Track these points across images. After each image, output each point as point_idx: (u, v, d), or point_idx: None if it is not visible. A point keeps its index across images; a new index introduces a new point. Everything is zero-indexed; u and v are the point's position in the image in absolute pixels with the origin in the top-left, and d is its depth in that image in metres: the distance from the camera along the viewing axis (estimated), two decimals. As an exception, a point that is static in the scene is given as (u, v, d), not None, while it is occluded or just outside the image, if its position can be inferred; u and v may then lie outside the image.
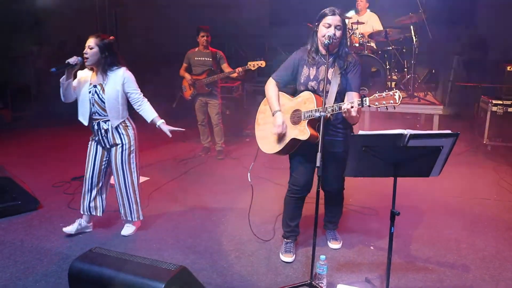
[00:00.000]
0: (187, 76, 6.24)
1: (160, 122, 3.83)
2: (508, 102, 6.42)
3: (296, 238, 3.67)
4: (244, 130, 7.82)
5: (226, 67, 6.19)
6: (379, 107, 2.78)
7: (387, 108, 2.75)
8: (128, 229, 4.00)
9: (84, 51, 3.64)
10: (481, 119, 6.79)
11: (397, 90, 2.72)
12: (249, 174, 3.62)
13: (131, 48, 10.47)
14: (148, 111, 3.83)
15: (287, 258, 3.51)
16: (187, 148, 6.88)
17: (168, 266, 2.53)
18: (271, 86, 3.45)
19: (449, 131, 2.46)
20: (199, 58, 6.20)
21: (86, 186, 3.93)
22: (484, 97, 6.84)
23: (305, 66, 3.32)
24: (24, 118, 9.29)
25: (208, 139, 6.57)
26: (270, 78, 3.48)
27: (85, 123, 3.78)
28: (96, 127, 3.77)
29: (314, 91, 3.22)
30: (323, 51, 3.22)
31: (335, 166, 3.33)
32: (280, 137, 3.34)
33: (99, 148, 3.85)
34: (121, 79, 3.70)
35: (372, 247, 3.74)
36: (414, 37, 6.76)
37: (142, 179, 5.36)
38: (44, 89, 10.79)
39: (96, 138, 3.83)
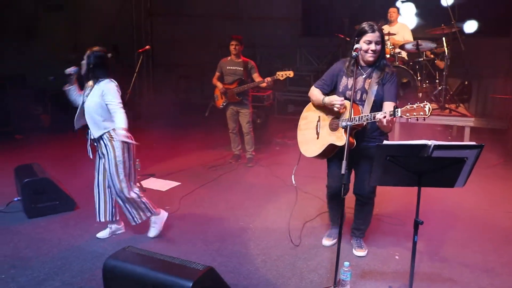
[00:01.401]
0: (219, 85, 6.39)
1: (120, 131, 3.75)
2: (543, 115, 6.32)
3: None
4: (275, 138, 7.91)
5: (256, 77, 6.31)
6: (409, 118, 2.86)
7: (417, 120, 2.83)
8: (152, 231, 4.14)
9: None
10: (514, 131, 6.70)
11: (427, 103, 2.80)
12: (292, 176, 3.80)
13: (165, 58, 10.78)
14: (117, 120, 3.77)
15: (327, 241, 3.95)
16: (218, 156, 7.02)
17: (196, 266, 2.65)
18: (314, 90, 3.69)
19: (473, 143, 2.50)
20: (231, 67, 6.34)
21: (95, 195, 4.05)
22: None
23: (344, 76, 3.52)
24: (61, 122, 9.63)
25: (238, 146, 6.70)
26: (313, 86, 3.72)
27: (75, 127, 3.98)
28: (87, 135, 3.95)
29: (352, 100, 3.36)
30: (362, 64, 3.46)
31: (368, 171, 3.44)
32: (321, 140, 3.57)
33: (97, 156, 3.99)
34: (100, 91, 3.77)
35: (397, 257, 3.77)
36: (446, 49, 6.74)
37: (173, 183, 5.57)
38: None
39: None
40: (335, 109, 3.38)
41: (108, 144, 3.83)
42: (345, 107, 3.35)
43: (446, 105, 6.87)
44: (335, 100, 3.39)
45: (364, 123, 3.23)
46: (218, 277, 2.71)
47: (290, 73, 5.98)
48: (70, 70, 3.93)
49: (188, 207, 4.81)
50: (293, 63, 10.71)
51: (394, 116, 2.96)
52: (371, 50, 3.33)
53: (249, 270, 3.52)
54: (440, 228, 4.29)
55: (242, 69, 6.30)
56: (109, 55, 3.93)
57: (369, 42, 3.33)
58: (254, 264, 3.61)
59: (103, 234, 4.14)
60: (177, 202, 4.91)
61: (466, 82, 7.74)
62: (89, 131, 3.88)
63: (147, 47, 5.64)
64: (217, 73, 6.50)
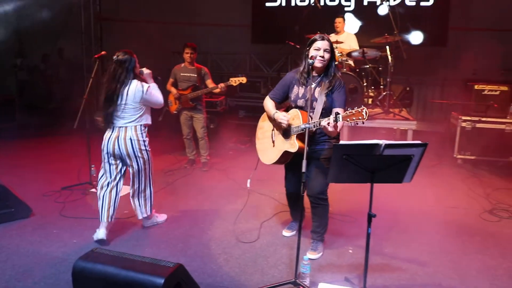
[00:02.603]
0: (173, 90, 6.48)
1: None
2: (476, 118, 6.86)
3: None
4: (228, 143, 8.07)
5: (210, 83, 6.46)
6: (350, 123, 3.10)
7: (357, 123, 3.07)
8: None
9: None
10: (452, 134, 7.22)
11: (364, 107, 3.04)
12: (248, 180, 4.04)
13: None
14: None
15: (286, 233, 4.32)
16: (173, 160, 7.09)
17: (166, 263, 2.76)
18: (268, 101, 3.89)
19: (419, 142, 2.78)
20: (185, 74, 6.45)
21: (103, 195, 4.25)
22: (454, 114, 7.29)
23: (295, 85, 3.74)
24: (8, 129, 9.36)
25: (193, 152, 6.80)
26: (267, 96, 3.91)
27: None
28: None
29: (302, 108, 3.62)
30: (314, 72, 3.65)
31: (318, 172, 3.70)
32: (277, 148, 3.77)
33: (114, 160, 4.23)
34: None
35: (350, 251, 4.03)
36: (389, 57, 7.17)
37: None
38: (28, 100, 10.91)
39: None
40: (282, 125, 3.63)
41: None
42: (293, 118, 3.59)
43: (390, 110, 7.29)
44: (281, 118, 3.62)
45: (314, 129, 3.43)
46: (187, 273, 2.84)
47: (243, 79, 6.18)
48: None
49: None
50: (244, 69, 10.96)
51: (337, 122, 3.17)
52: (320, 56, 3.55)
53: (213, 269, 3.65)
54: (389, 224, 4.61)
55: (195, 75, 6.42)
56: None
57: (318, 49, 3.55)
58: (217, 263, 3.75)
59: (101, 234, 4.09)
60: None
61: (408, 88, 8.24)
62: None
63: (103, 52, 5.65)
64: (171, 79, 6.58)
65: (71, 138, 7.23)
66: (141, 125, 4.14)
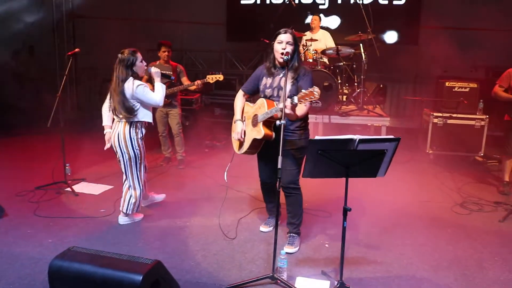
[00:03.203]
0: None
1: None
2: (447, 115, 7.03)
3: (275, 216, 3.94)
4: (204, 141, 8.06)
5: (185, 80, 6.45)
6: (305, 103, 3.26)
7: (311, 103, 3.16)
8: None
9: None
10: (424, 130, 7.37)
11: (315, 87, 3.16)
12: (225, 173, 4.02)
13: (88, 61, 10.54)
14: None
15: (264, 228, 4.36)
16: (149, 158, 6.98)
17: (144, 260, 2.76)
18: (239, 97, 4.04)
19: (392, 136, 2.85)
20: None
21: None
22: (427, 110, 7.45)
23: (264, 77, 3.86)
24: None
25: (169, 149, 6.77)
26: (240, 90, 4.04)
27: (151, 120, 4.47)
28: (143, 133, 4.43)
29: (269, 97, 3.76)
30: (278, 63, 3.77)
31: (287, 162, 3.75)
32: (247, 139, 3.86)
33: None
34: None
35: (327, 245, 4.10)
36: (363, 54, 7.28)
37: (106, 187, 5.56)
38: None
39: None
40: (234, 137, 3.90)
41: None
42: (259, 107, 3.71)
43: (364, 106, 7.41)
44: (236, 131, 3.87)
45: (278, 115, 3.46)
46: (165, 270, 2.85)
47: (220, 77, 6.18)
48: None
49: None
50: (219, 67, 10.93)
51: (293, 103, 3.24)
52: (282, 49, 3.63)
53: (191, 265, 3.66)
54: (364, 218, 4.70)
55: (171, 73, 6.39)
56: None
57: (281, 42, 3.65)
58: (195, 260, 3.76)
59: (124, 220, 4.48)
60: (111, 205, 4.91)
61: (381, 85, 8.38)
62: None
63: (77, 50, 5.58)
64: (145, 77, 6.53)
65: (45, 137, 7.12)
66: (134, 121, 4.27)
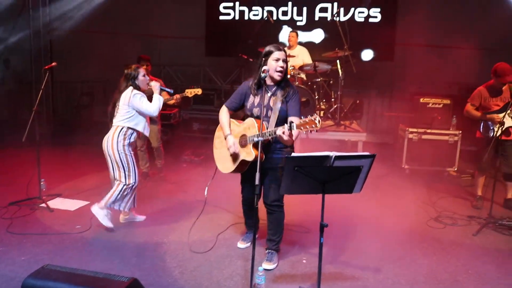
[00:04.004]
0: None
1: None
2: (422, 130, 7.17)
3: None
4: (182, 156, 8.03)
5: (165, 95, 6.44)
6: (304, 131, 3.18)
7: (311, 132, 3.15)
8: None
9: None
10: (400, 145, 7.51)
11: (317, 116, 3.13)
12: (206, 189, 4.07)
13: (65, 74, 10.44)
14: None
15: (241, 244, 4.34)
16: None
17: (120, 278, 2.73)
18: (223, 113, 3.96)
19: (367, 153, 2.90)
20: None
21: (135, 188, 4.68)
22: (402, 126, 7.59)
23: (251, 94, 3.82)
24: None
25: (146, 164, 6.72)
26: (223, 105, 4.00)
27: (148, 134, 4.81)
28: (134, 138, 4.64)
29: (257, 117, 3.69)
30: (269, 82, 3.75)
31: (273, 180, 3.79)
32: (234, 157, 3.82)
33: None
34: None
35: (304, 261, 4.11)
36: (340, 70, 7.40)
37: (82, 203, 5.48)
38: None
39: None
40: (229, 151, 3.80)
41: None
42: (249, 127, 3.69)
43: (341, 122, 7.51)
44: (230, 145, 3.79)
45: (269, 138, 3.51)
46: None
47: (199, 91, 6.19)
48: None
49: (100, 225, 4.76)
50: (197, 81, 10.98)
51: (291, 130, 3.25)
52: (280, 67, 3.65)
53: (168, 282, 3.63)
54: (341, 233, 4.73)
55: (150, 87, 6.38)
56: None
57: (278, 60, 3.65)
58: (172, 276, 3.73)
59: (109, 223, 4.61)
60: (88, 221, 4.84)
61: (358, 101, 8.51)
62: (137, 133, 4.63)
63: (54, 63, 5.54)
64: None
65: (20, 152, 6.99)
66: (125, 127, 4.51)
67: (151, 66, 6.51)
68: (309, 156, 2.86)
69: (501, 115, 5.27)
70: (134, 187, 4.61)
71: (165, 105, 6.71)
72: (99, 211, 4.53)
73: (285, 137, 3.30)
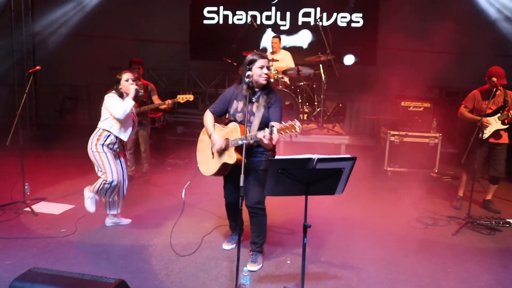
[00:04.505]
0: None
1: None
2: (403, 133, 7.31)
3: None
4: (167, 159, 8.07)
5: (156, 99, 6.54)
6: (284, 136, 3.30)
7: (291, 137, 3.26)
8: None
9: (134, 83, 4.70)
10: (382, 148, 7.64)
11: (297, 121, 3.25)
12: (183, 191, 4.07)
13: (49, 79, 10.40)
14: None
15: (226, 246, 4.41)
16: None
17: (107, 280, 2.78)
18: (208, 116, 4.04)
19: (348, 155, 2.99)
20: None
21: (122, 190, 4.79)
22: (384, 128, 7.73)
23: (235, 100, 3.91)
24: None
25: (132, 167, 6.75)
26: (207, 110, 4.06)
27: (125, 138, 4.72)
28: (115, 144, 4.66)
29: (240, 122, 3.80)
30: (255, 87, 3.84)
31: (255, 183, 3.87)
32: (218, 157, 3.90)
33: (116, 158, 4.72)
34: None
35: (288, 261, 4.19)
36: (323, 74, 7.52)
37: (67, 206, 5.48)
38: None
39: (118, 150, 4.70)
40: (214, 149, 3.87)
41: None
42: (231, 131, 3.79)
43: (324, 125, 7.62)
44: (215, 141, 3.83)
45: (251, 142, 3.61)
46: (129, 289, 2.86)
47: (190, 97, 6.28)
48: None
49: (86, 229, 4.79)
50: (182, 85, 11.03)
51: (271, 134, 3.37)
52: (265, 74, 3.76)
53: (155, 284, 3.68)
54: (325, 234, 4.82)
55: (143, 91, 6.45)
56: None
57: (262, 67, 3.76)
58: (158, 278, 3.78)
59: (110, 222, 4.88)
60: (73, 225, 4.86)
61: (341, 105, 8.65)
62: (118, 138, 4.64)
63: (38, 67, 5.54)
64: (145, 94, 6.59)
65: (3, 156, 6.94)
66: (101, 128, 4.59)
67: (143, 69, 6.58)
68: (292, 158, 2.94)
69: (491, 118, 5.41)
70: (113, 184, 4.60)
71: (156, 110, 6.80)
72: (87, 193, 4.65)
73: (266, 141, 3.40)
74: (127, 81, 4.64)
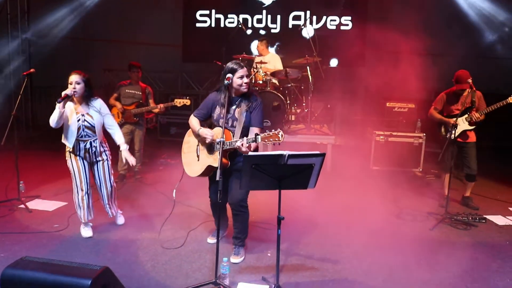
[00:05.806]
0: (118, 104, 6.69)
1: (124, 148, 4.78)
2: (388, 133, 7.53)
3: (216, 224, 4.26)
4: (158, 159, 8.28)
5: (152, 102, 6.82)
6: (268, 144, 3.51)
7: (274, 144, 3.48)
8: (121, 218, 5.14)
9: (73, 86, 4.40)
10: (368, 147, 7.85)
11: (280, 130, 3.49)
12: (174, 191, 4.33)
13: (44, 80, 10.58)
14: (119, 135, 4.77)
15: (211, 240, 4.62)
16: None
17: (93, 267, 3.00)
18: (193, 119, 4.25)
19: (317, 152, 3.22)
20: (129, 91, 6.75)
21: (85, 196, 4.65)
22: (370, 129, 7.95)
23: (217, 106, 4.12)
24: None
25: (125, 166, 6.94)
26: (192, 115, 4.28)
27: (70, 145, 4.54)
28: (88, 145, 4.57)
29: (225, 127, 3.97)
30: (233, 95, 4.07)
31: (238, 182, 4.02)
32: (201, 162, 4.14)
33: (86, 163, 4.64)
34: (99, 107, 4.60)
35: (269, 254, 4.41)
36: (310, 76, 7.74)
37: (60, 203, 5.69)
38: None
39: (83, 155, 4.59)
40: (207, 141, 4.03)
41: (105, 149, 4.74)
42: (217, 136, 3.97)
43: (312, 126, 7.84)
44: (205, 134, 4.02)
45: (230, 147, 3.82)
46: (114, 276, 3.08)
47: (187, 101, 6.53)
48: (70, 92, 4.38)
49: (78, 224, 4.95)
50: (175, 87, 11.24)
51: (256, 142, 3.60)
52: (245, 83, 3.96)
53: (140, 275, 3.90)
54: (305, 228, 5.04)
55: (140, 93, 6.75)
56: None
57: (242, 77, 3.95)
58: (144, 269, 4.00)
59: (89, 233, 4.73)
60: (65, 220, 5.07)
61: (329, 106, 8.87)
62: (88, 142, 4.56)
63: (32, 70, 5.76)
64: (115, 94, 6.81)
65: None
66: None
67: (141, 72, 6.84)
68: (265, 154, 3.17)
69: (459, 119, 5.63)
70: (79, 197, 4.62)
71: (149, 112, 7.06)
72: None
73: (243, 149, 3.63)
74: (71, 84, 4.41)
